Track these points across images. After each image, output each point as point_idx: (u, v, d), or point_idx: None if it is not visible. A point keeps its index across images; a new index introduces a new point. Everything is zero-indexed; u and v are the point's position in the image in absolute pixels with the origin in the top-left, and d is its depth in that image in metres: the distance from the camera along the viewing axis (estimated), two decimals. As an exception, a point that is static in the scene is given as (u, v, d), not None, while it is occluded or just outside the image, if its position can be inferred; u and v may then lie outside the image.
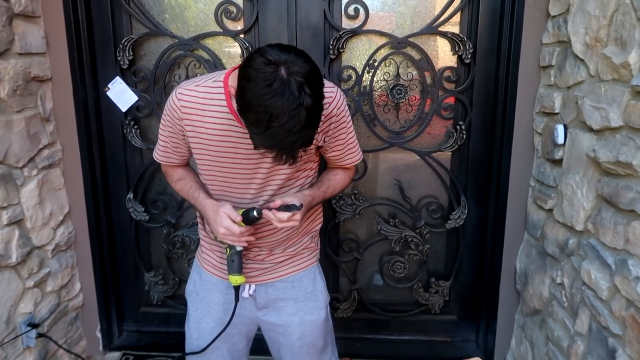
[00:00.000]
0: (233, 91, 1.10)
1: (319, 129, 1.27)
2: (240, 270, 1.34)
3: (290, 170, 1.31)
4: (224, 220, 1.24)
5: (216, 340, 1.45)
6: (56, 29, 2.01)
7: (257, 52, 1.03)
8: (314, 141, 1.28)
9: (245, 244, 1.31)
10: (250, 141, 1.15)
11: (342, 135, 1.35)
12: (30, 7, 1.90)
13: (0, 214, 1.76)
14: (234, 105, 1.14)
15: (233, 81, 1.17)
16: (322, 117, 1.24)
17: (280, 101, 0.97)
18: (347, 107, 1.32)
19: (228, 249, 1.34)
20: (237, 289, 1.37)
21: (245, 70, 1.02)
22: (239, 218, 1.24)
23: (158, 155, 1.42)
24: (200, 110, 1.25)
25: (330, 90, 1.27)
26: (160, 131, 1.37)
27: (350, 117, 1.35)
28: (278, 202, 1.21)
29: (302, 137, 1.02)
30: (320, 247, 1.59)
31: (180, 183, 1.44)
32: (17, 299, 1.86)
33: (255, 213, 1.24)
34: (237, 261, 1.33)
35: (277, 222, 1.22)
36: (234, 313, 1.39)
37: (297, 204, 1.20)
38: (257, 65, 1.00)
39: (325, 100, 1.24)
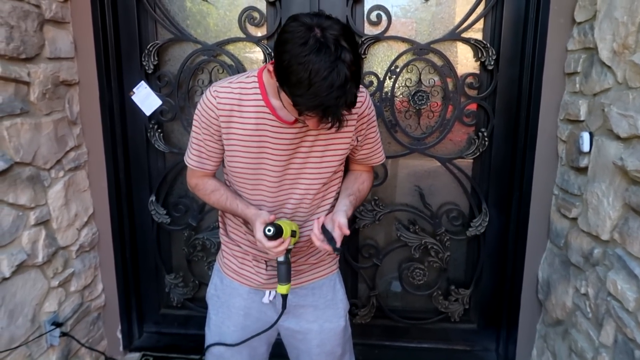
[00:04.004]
0: (269, 88, 1.15)
1: (354, 129, 1.31)
2: (284, 279, 1.30)
3: (319, 165, 1.32)
4: (258, 233, 1.24)
5: (237, 345, 1.46)
6: (84, 35, 2.06)
7: (290, 18, 1.06)
8: (350, 140, 1.32)
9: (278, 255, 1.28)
10: (283, 135, 1.19)
11: (371, 134, 1.39)
12: (60, 13, 1.95)
13: (28, 215, 1.80)
14: (269, 95, 1.17)
15: (267, 77, 1.21)
16: (356, 116, 1.29)
17: (318, 56, 0.98)
18: (374, 107, 1.37)
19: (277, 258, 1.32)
20: (284, 297, 1.33)
21: (280, 36, 1.05)
22: (269, 218, 1.25)
23: (192, 161, 1.38)
24: (236, 105, 1.25)
25: (360, 91, 1.28)
26: (193, 135, 1.34)
27: (376, 117, 1.40)
28: (318, 233, 1.22)
29: (345, 93, 1.01)
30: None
31: (216, 195, 1.39)
32: (42, 298, 1.90)
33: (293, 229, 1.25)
34: (281, 270, 1.30)
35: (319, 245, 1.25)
36: (278, 319, 1.39)
37: (338, 244, 1.21)
38: (292, 28, 1.02)
39: (358, 100, 1.26)
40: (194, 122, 1.32)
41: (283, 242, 1.23)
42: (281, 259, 1.30)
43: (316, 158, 1.31)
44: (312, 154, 1.30)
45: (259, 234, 1.22)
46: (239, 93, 1.25)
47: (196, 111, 1.31)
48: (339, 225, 1.22)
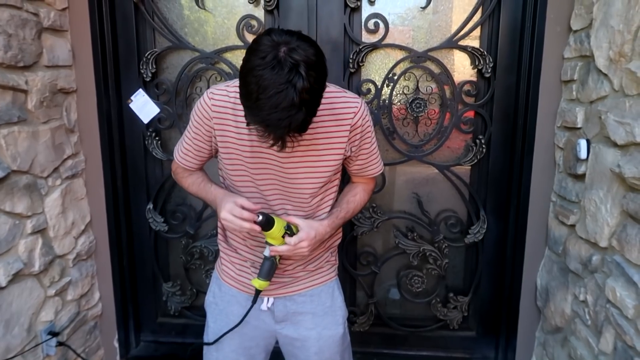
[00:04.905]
0: None
1: (347, 139, 1.30)
2: (264, 276, 1.31)
3: (312, 173, 1.32)
4: (228, 204, 1.24)
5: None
6: (82, 43, 2.06)
7: (266, 31, 1.07)
8: (343, 150, 1.31)
9: (246, 232, 1.28)
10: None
11: (366, 146, 1.37)
12: (58, 22, 1.95)
13: (25, 223, 1.79)
14: None
15: None
16: (349, 126, 1.28)
17: (270, 74, 0.99)
18: (370, 118, 1.34)
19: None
20: (256, 292, 1.34)
21: (250, 46, 1.06)
22: (253, 206, 1.23)
23: (179, 156, 1.42)
24: (230, 109, 1.27)
25: (354, 100, 1.30)
26: (186, 133, 1.38)
27: (373, 128, 1.37)
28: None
29: (289, 116, 1.01)
30: (338, 261, 1.58)
31: (192, 177, 1.45)
32: (38, 307, 1.89)
33: (262, 218, 1.23)
34: (265, 266, 1.31)
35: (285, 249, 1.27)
36: (247, 313, 1.37)
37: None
38: (261, 40, 1.03)
39: (350, 111, 1.27)
40: (190, 122, 1.36)
41: (251, 216, 1.22)
42: (266, 253, 1.29)
43: (309, 165, 1.31)
44: (305, 161, 1.30)
45: (229, 205, 1.23)
46: (234, 97, 1.27)
47: (192, 111, 1.34)
48: (291, 221, 1.28)
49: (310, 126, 1.19)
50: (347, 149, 1.33)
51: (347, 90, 1.35)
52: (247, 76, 1.02)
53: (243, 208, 1.23)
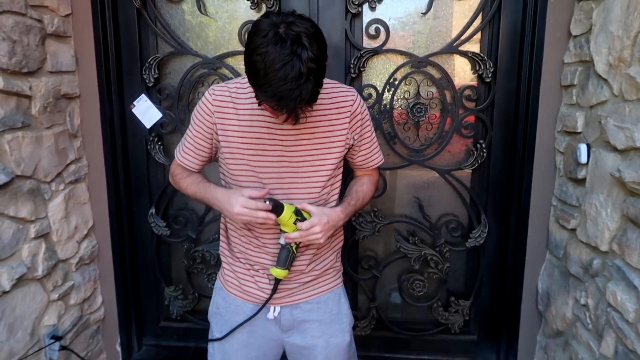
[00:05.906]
0: None
1: (348, 126, 1.35)
2: (282, 265, 1.33)
3: (317, 165, 1.34)
4: (239, 199, 1.26)
5: (222, 338, 1.47)
6: (86, 48, 2.08)
7: (264, 15, 1.12)
8: (346, 139, 1.35)
9: (262, 221, 1.28)
10: (279, 132, 1.24)
11: (367, 134, 1.42)
12: (62, 28, 1.97)
13: (28, 228, 1.81)
14: None
15: None
16: (349, 114, 1.34)
17: (274, 49, 1.03)
18: (366, 107, 1.42)
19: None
20: (275, 281, 1.37)
21: (250, 30, 1.10)
22: (259, 193, 1.26)
23: (180, 155, 1.44)
24: (231, 103, 1.30)
25: (350, 90, 1.37)
26: (187, 132, 1.41)
27: (370, 117, 1.43)
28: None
29: (299, 86, 1.04)
30: (342, 267, 1.59)
31: (191, 177, 1.45)
32: (41, 311, 1.90)
33: (269, 203, 1.25)
34: (282, 255, 1.33)
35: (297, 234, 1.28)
36: (269, 299, 1.39)
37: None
38: (259, 23, 1.08)
39: (348, 99, 1.35)
40: (191, 120, 1.38)
41: (266, 206, 1.24)
42: (282, 242, 1.32)
43: (313, 157, 1.34)
44: (311, 148, 1.33)
45: (241, 199, 1.25)
46: (235, 92, 1.31)
47: (193, 111, 1.37)
48: (304, 208, 1.31)
49: (313, 114, 1.25)
50: (350, 137, 1.37)
51: (342, 83, 1.41)
52: (252, 56, 1.06)
53: (251, 198, 1.26)
